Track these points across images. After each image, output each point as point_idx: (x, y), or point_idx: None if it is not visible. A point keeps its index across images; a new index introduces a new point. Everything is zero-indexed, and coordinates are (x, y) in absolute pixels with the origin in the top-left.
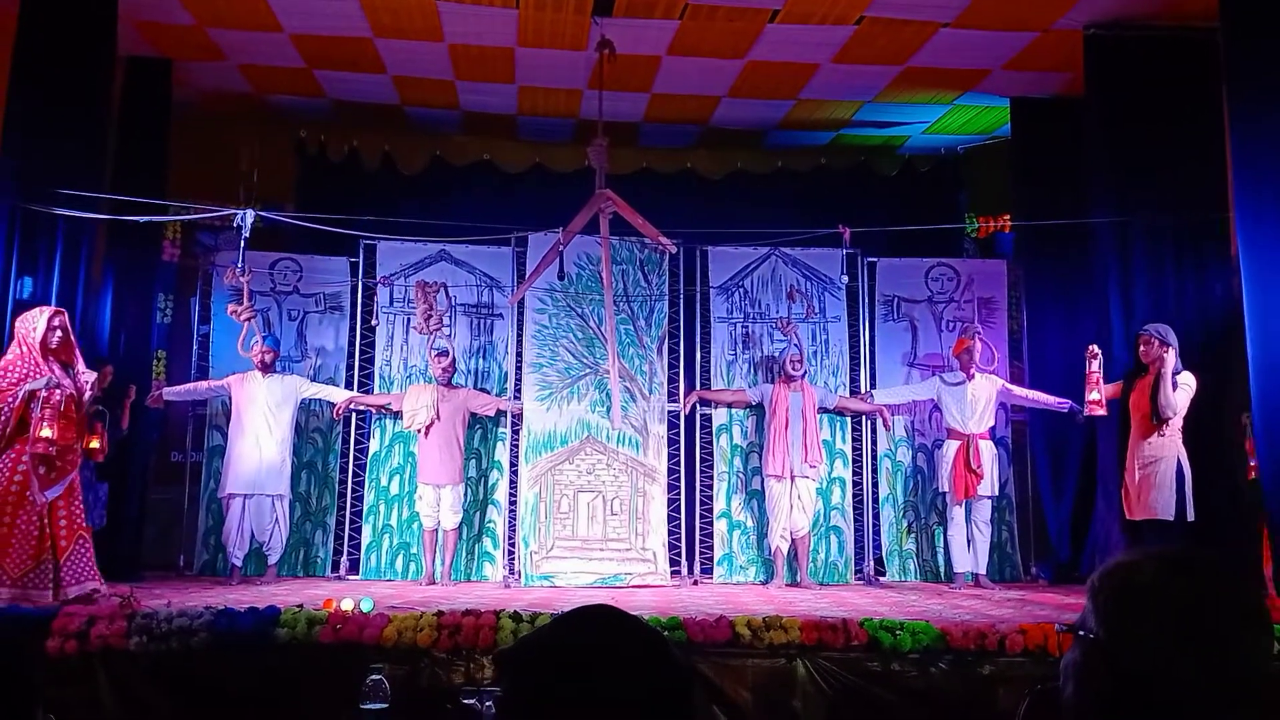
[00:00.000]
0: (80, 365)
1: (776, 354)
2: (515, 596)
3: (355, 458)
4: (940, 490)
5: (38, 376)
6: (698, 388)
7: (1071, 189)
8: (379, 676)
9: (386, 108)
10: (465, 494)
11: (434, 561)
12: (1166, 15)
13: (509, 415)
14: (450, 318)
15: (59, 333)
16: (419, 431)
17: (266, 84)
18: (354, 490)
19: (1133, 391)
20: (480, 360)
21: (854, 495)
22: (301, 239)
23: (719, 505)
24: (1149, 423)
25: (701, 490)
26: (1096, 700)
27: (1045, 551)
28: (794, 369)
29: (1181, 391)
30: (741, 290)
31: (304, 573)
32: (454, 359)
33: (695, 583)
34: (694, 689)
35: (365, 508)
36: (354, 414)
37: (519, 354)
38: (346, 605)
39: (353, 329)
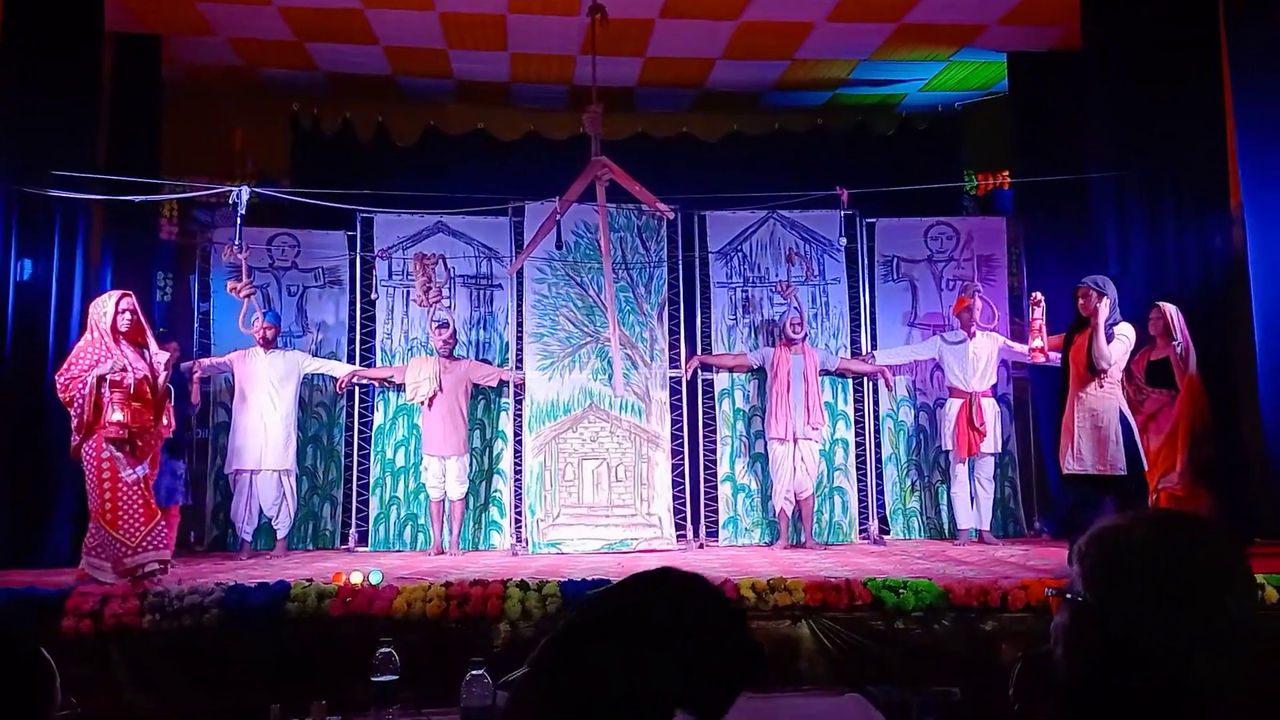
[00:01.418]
0: (153, 346)
1: (777, 317)
2: (523, 564)
3: (360, 431)
4: (943, 448)
5: (107, 361)
6: (699, 353)
7: (1070, 143)
8: (389, 649)
9: (379, 79)
10: (470, 464)
11: (442, 532)
12: None
13: (511, 385)
14: (449, 289)
15: (128, 315)
16: (422, 404)
17: (257, 58)
18: (360, 463)
19: (1073, 345)
20: (481, 331)
21: (857, 456)
22: (298, 214)
23: (723, 469)
24: (1087, 375)
25: (705, 454)
26: (1086, 662)
27: (1048, 506)
28: (794, 332)
29: (1118, 343)
30: (740, 254)
31: (313, 546)
32: (455, 331)
33: (700, 546)
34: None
35: (371, 480)
36: (357, 388)
37: (519, 324)
38: (356, 578)
39: (352, 303)
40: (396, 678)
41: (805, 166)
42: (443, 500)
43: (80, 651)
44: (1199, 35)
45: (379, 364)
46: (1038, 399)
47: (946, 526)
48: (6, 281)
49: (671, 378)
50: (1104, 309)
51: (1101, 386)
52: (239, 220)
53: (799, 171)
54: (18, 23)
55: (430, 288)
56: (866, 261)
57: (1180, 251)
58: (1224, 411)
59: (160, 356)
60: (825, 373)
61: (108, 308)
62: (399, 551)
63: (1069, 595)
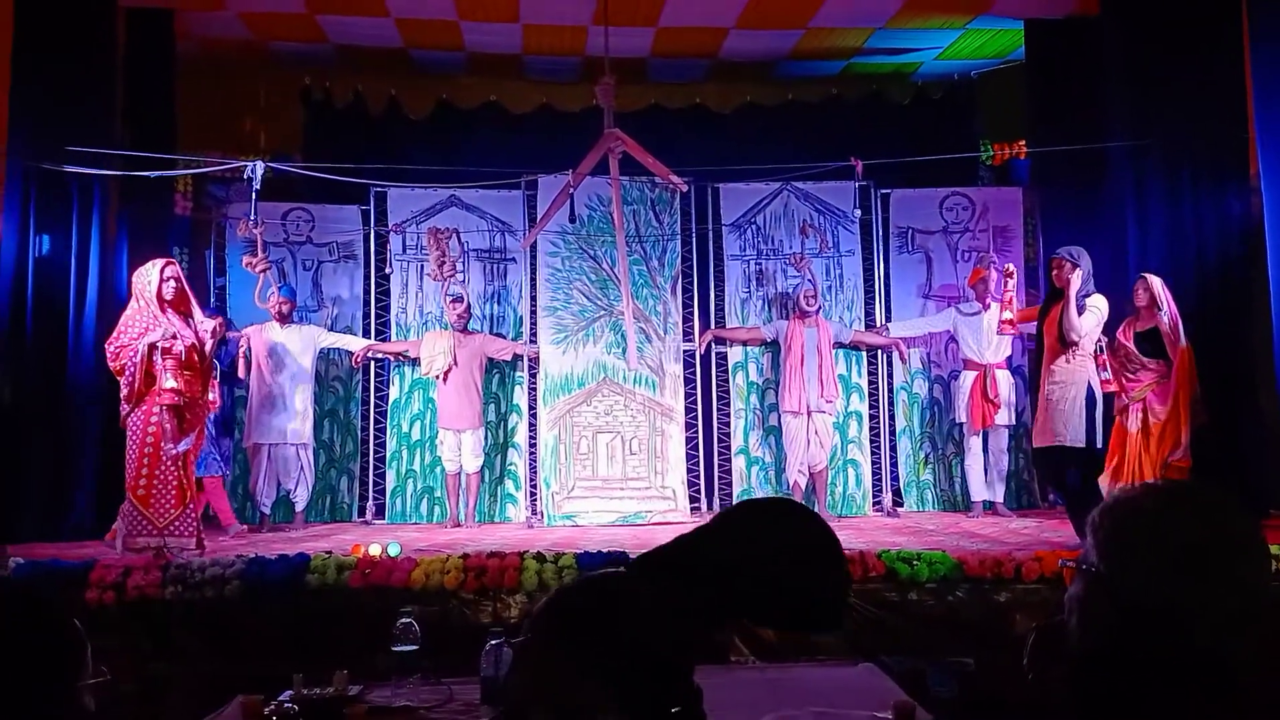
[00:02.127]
0: (198, 315)
1: (790, 290)
2: (539, 536)
3: (376, 405)
4: (957, 421)
5: (157, 329)
6: (712, 326)
7: (1088, 112)
8: (409, 619)
9: (390, 51)
10: (486, 438)
11: (458, 504)
12: None
13: (526, 359)
14: (463, 263)
15: (172, 283)
16: (437, 378)
17: (268, 31)
18: (376, 437)
19: (1047, 317)
20: (495, 305)
21: (871, 428)
22: (312, 188)
23: (736, 442)
24: (1058, 347)
25: (719, 427)
26: (1100, 633)
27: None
28: (808, 304)
29: (1089, 314)
30: (754, 227)
31: (331, 518)
32: (469, 305)
33: None
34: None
35: (388, 454)
36: (372, 362)
37: (533, 298)
38: (374, 550)
39: (367, 277)
40: (416, 647)
41: (819, 137)
42: (458, 473)
43: (103, 623)
44: (1218, 2)
45: (394, 338)
46: None
47: (960, 499)
48: (26, 257)
49: (685, 351)
50: (1075, 280)
51: (1070, 360)
52: (254, 195)
53: (813, 142)
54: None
55: (444, 262)
56: (881, 233)
57: (1198, 221)
58: (1241, 383)
59: (206, 325)
60: (839, 345)
61: (152, 276)
62: (415, 524)
63: (1083, 566)
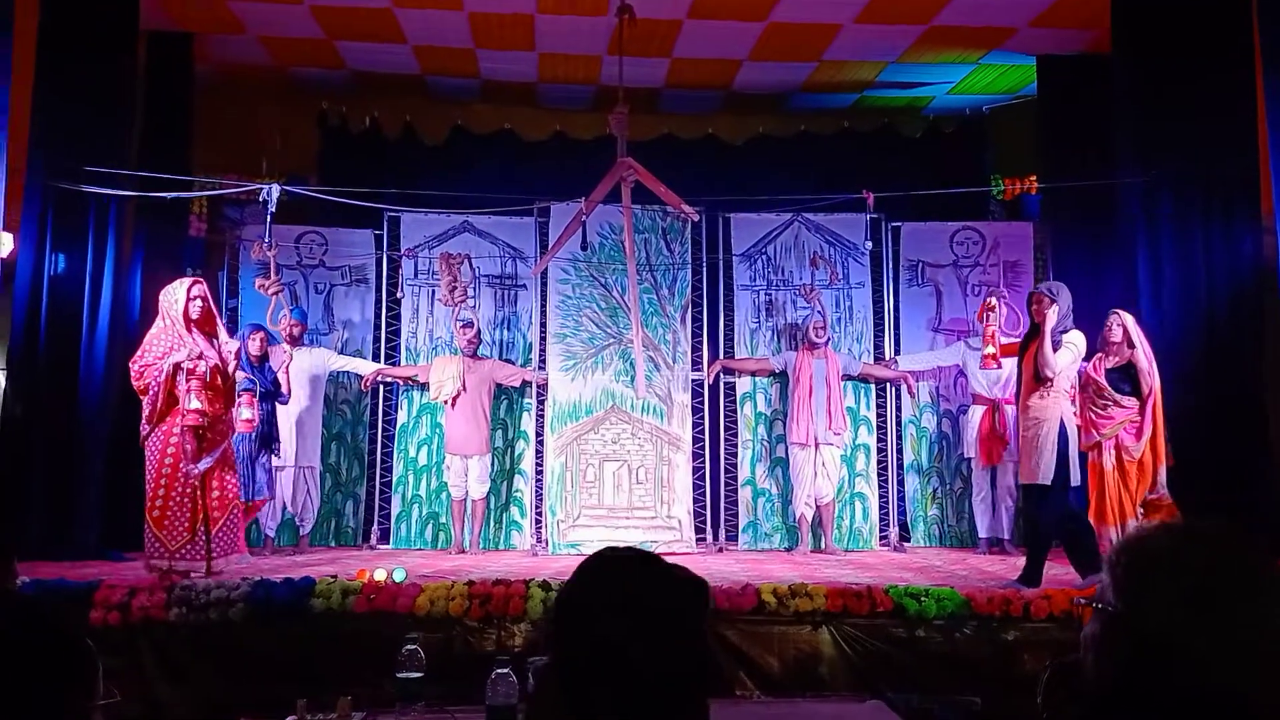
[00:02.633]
0: (223, 335)
1: (800, 321)
2: (543, 565)
3: (384, 429)
4: (965, 456)
5: (181, 349)
6: (721, 356)
7: (1099, 148)
8: (414, 646)
9: (407, 78)
10: (492, 464)
11: (463, 530)
12: None
13: (534, 385)
14: (474, 289)
15: (199, 302)
16: (445, 403)
17: (287, 56)
18: (383, 461)
19: (1026, 353)
20: (505, 331)
21: (878, 462)
22: (326, 212)
23: (743, 473)
24: (1034, 383)
25: (726, 458)
26: (1116, 672)
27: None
28: (817, 336)
29: (1064, 351)
30: (764, 257)
31: (335, 543)
32: (479, 330)
33: (720, 550)
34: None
35: (394, 478)
36: (381, 386)
37: (543, 324)
38: (380, 575)
39: (378, 301)
40: (421, 675)
41: (831, 169)
42: (464, 499)
43: (108, 643)
44: (1231, 40)
45: (403, 362)
46: None
47: (967, 534)
48: (41, 276)
49: (693, 380)
50: (1052, 316)
51: (1044, 397)
52: (268, 218)
53: (824, 174)
54: (55, 21)
55: (455, 287)
56: (891, 266)
57: (1209, 258)
58: (1252, 420)
59: (231, 346)
60: (848, 377)
61: (179, 295)
62: (420, 550)
63: (1099, 605)
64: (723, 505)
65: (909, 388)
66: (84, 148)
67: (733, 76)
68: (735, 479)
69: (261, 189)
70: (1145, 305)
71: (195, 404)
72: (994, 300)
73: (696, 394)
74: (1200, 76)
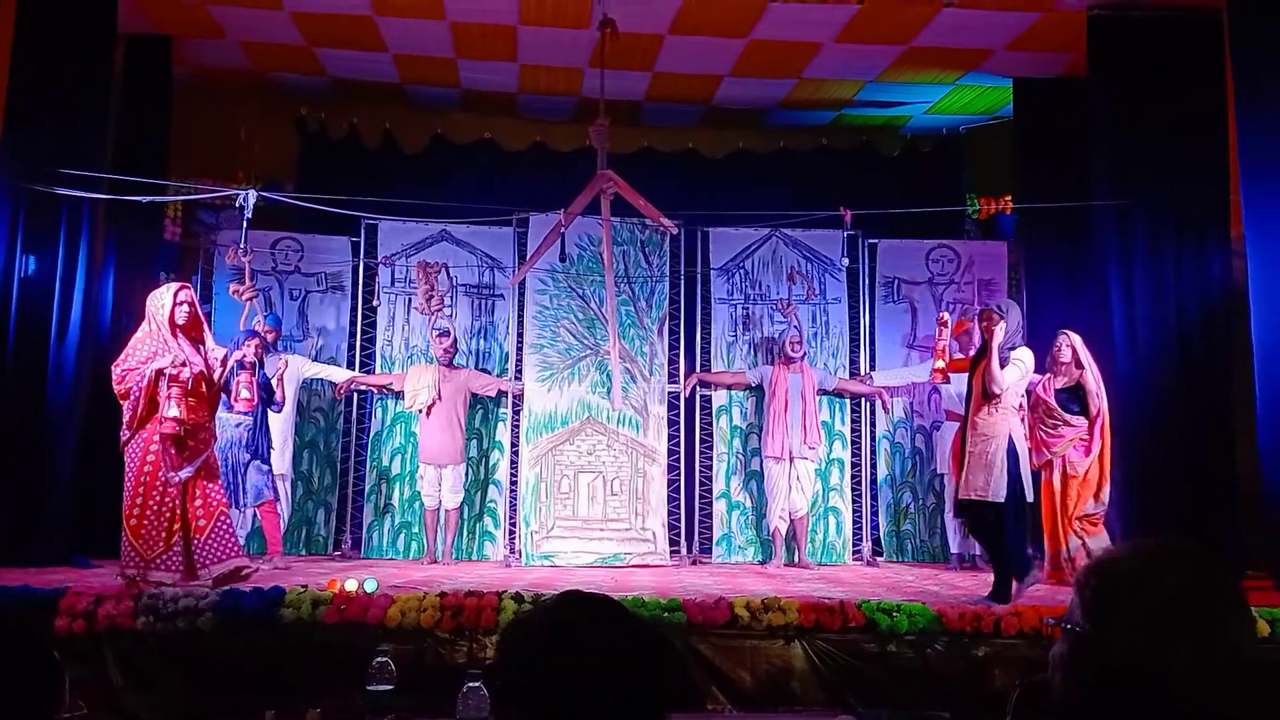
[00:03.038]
0: (210, 342)
1: (776, 335)
2: (516, 576)
3: (357, 437)
4: (939, 471)
5: (165, 354)
6: (698, 369)
7: (1074, 170)
8: (385, 658)
9: (387, 86)
10: (466, 474)
11: (436, 540)
12: None
13: (510, 396)
14: (451, 298)
15: (186, 307)
16: (420, 412)
17: (267, 61)
18: (356, 470)
19: (976, 369)
20: (481, 341)
21: (853, 476)
22: (303, 218)
23: (718, 486)
24: (981, 400)
25: (701, 471)
26: (1084, 691)
27: (1042, 534)
28: (794, 350)
29: (1012, 368)
30: (742, 271)
31: (306, 551)
32: (455, 339)
33: (694, 563)
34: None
35: (367, 487)
36: (355, 394)
37: (520, 335)
38: (350, 586)
39: (354, 309)
40: (392, 687)
41: (809, 185)
42: (438, 509)
43: (74, 652)
44: (1204, 66)
45: (379, 371)
46: None
47: (940, 550)
48: (11, 278)
49: (670, 393)
50: (999, 333)
51: (992, 414)
52: (244, 223)
53: (802, 190)
54: (33, 21)
55: (432, 296)
56: (867, 282)
57: (1180, 280)
58: (1220, 443)
59: (217, 353)
60: (823, 392)
61: (165, 299)
62: (392, 559)
63: (1068, 625)
64: (697, 518)
65: (884, 403)
66: (58, 149)
67: (713, 91)
68: (710, 492)
69: (238, 194)
70: (1117, 325)
71: (174, 411)
72: (945, 315)
73: (673, 406)
74: (1174, 101)
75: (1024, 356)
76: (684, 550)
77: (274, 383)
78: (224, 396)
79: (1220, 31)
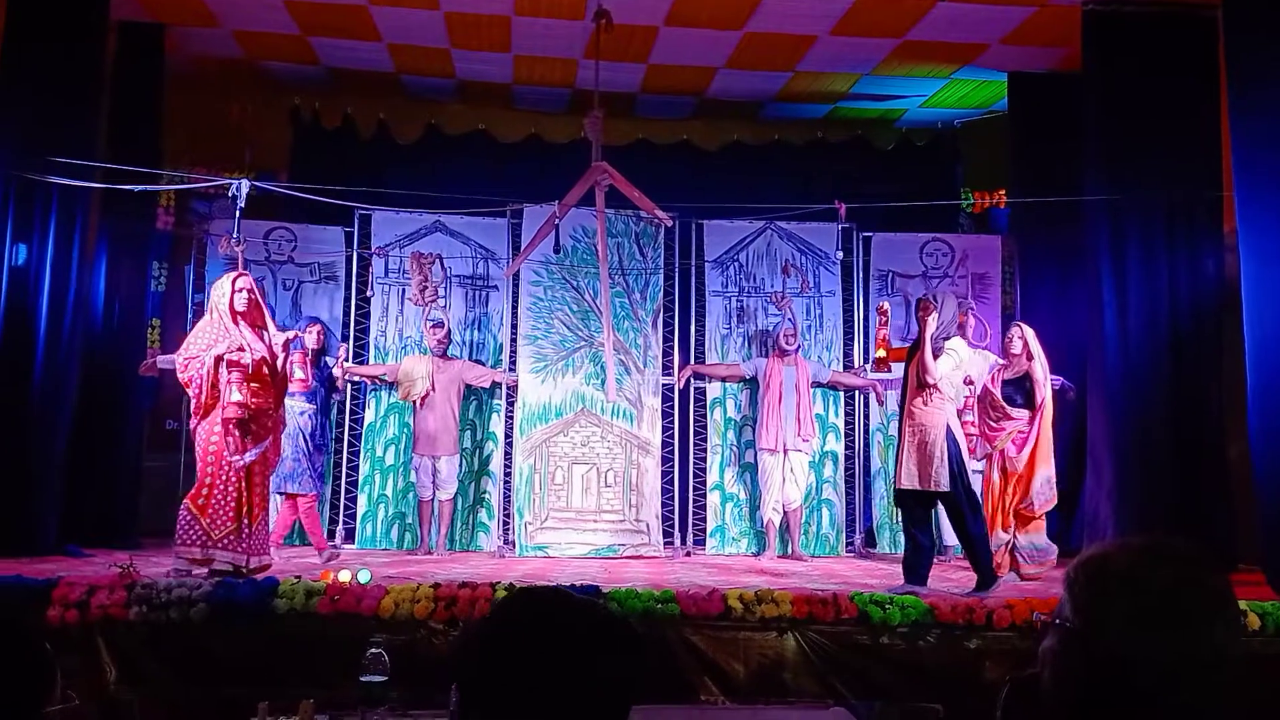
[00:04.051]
0: (272, 328)
1: (771, 328)
2: (510, 567)
3: (350, 428)
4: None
5: (224, 341)
6: (692, 361)
7: (1067, 164)
8: (378, 650)
9: (381, 75)
10: (460, 465)
11: (429, 532)
12: None
13: (504, 387)
14: (445, 289)
15: (245, 294)
16: (414, 402)
17: (260, 50)
18: (349, 460)
19: (912, 360)
20: (475, 332)
21: (846, 469)
22: (296, 208)
23: (712, 478)
24: (917, 389)
25: (695, 463)
26: (1074, 686)
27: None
28: (788, 343)
29: (945, 358)
30: (736, 264)
31: (300, 542)
32: (449, 330)
33: (688, 554)
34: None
35: (360, 478)
36: (349, 384)
37: (514, 326)
38: (344, 577)
39: (347, 299)
40: (385, 678)
41: (804, 178)
42: (431, 500)
43: (66, 642)
44: (1198, 61)
45: (372, 361)
46: None
47: (934, 543)
48: (1, 268)
49: (664, 385)
50: (932, 323)
51: (927, 403)
52: (237, 213)
53: (797, 183)
54: (23, 8)
55: (426, 287)
56: (861, 275)
57: (1173, 275)
58: (1211, 438)
59: (279, 338)
60: (817, 385)
61: (225, 288)
62: (386, 550)
63: (1057, 620)
64: (691, 509)
65: (877, 396)
66: (49, 138)
67: (708, 84)
68: (704, 483)
69: (231, 184)
70: (1109, 319)
71: (236, 396)
72: (885, 304)
73: (667, 398)
74: (1168, 96)
75: (957, 346)
76: (677, 541)
77: (335, 371)
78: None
79: (1215, 27)
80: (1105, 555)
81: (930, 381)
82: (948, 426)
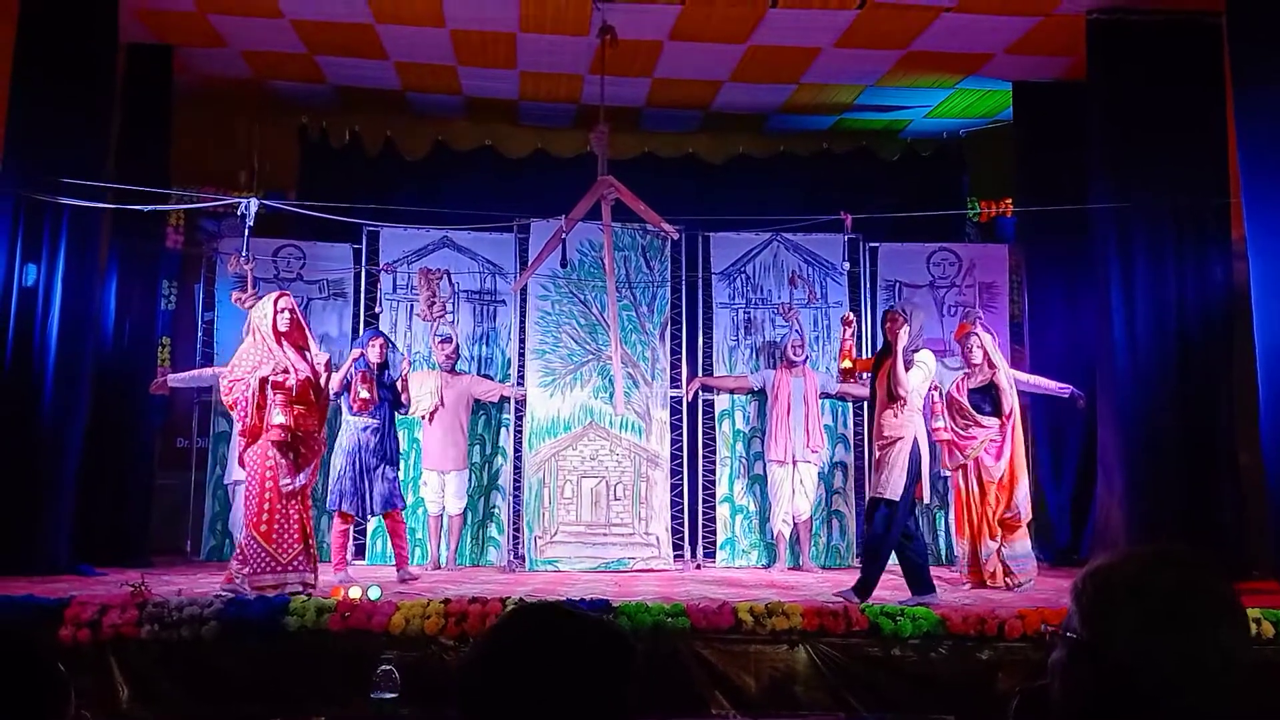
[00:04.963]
0: (314, 348)
1: (778, 339)
2: (520, 581)
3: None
4: (942, 474)
5: (269, 362)
6: (700, 373)
7: (1074, 173)
8: (389, 666)
9: (388, 93)
10: (470, 480)
11: (439, 547)
12: None
13: (512, 401)
14: (453, 304)
15: (287, 314)
16: (423, 418)
17: (268, 70)
18: None
19: (880, 370)
20: (483, 347)
21: (856, 479)
22: (305, 226)
23: (721, 490)
24: (887, 401)
25: (704, 475)
26: (1083, 697)
27: (1045, 535)
28: (796, 354)
29: (916, 370)
30: (743, 276)
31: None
32: (457, 345)
33: (698, 567)
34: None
35: None
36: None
37: (522, 340)
38: (354, 593)
39: (356, 316)
40: (396, 695)
41: (810, 190)
42: (441, 515)
43: (79, 661)
44: (1204, 69)
45: None
46: (1036, 427)
47: (944, 552)
48: (12, 287)
49: (672, 397)
50: (904, 335)
51: (897, 415)
52: (246, 231)
53: (803, 194)
54: (34, 31)
55: (434, 302)
56: (869, 286)
57: (1182, 283)
58: (1222, 445)
59: (321, 358)
60: (826, 396)
61: (267, 309)
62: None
63: (1066, 631)
64: (700, 522)
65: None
66: (60, 159)
67: (713, 97)
68: (713, 496)
69: (240, 202)
70: (1118, 327)
71: (280, 418)
72: (850, 315)
73: (675, 411)
74: (1174, 104)
75: (927, 359)
76: (688, 554)
77: (399, 383)
78: (345, 395)
79: (1219, 34)
80: (1112, 566)
81: (901, 394)
82: (914, 439)
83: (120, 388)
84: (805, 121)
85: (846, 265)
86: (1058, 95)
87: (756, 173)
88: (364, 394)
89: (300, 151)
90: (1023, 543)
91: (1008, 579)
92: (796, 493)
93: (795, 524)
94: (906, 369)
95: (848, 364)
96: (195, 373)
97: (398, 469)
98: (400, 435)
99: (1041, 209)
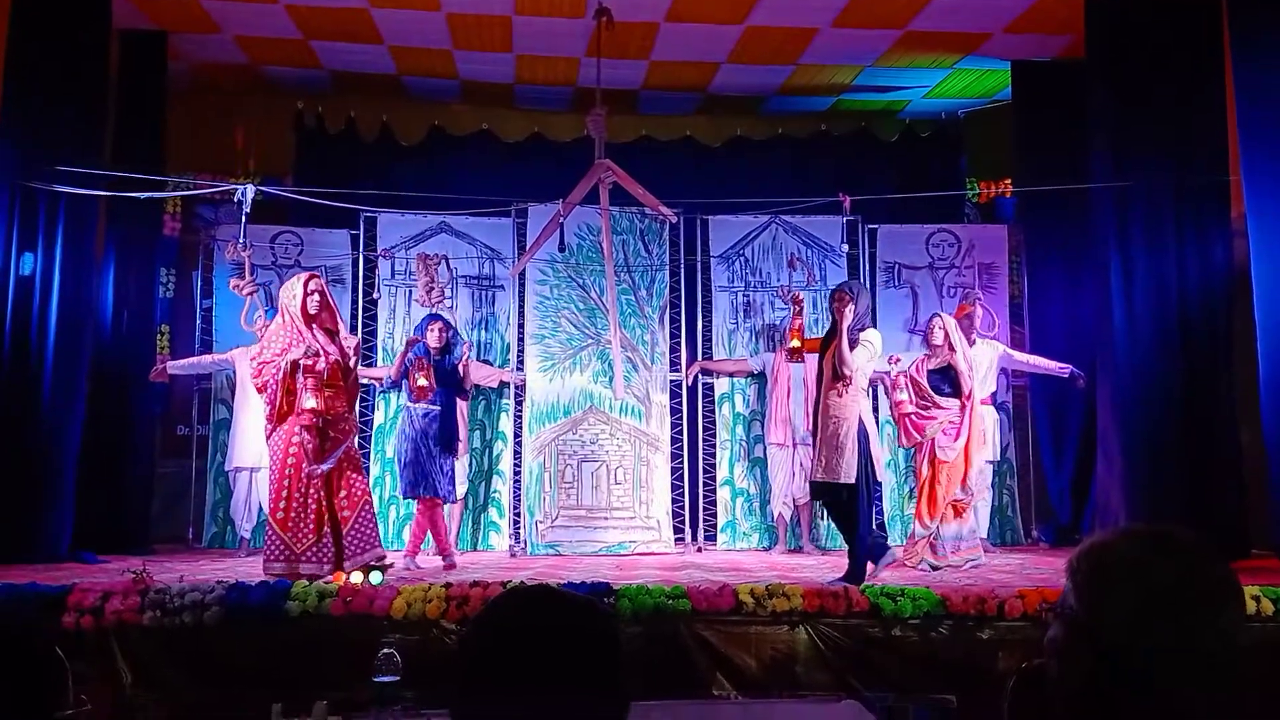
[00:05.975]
0: (344, 331)
1: (778, 322)
2: (521, 565)
3: (360, 429)
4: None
5: (299, 345)
6: (699, 357)
7: (1073, 153)
8: (390, 650)
9: (384, 78)
10: (470, 465)
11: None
12: None
13: (512, 386)
14: (452, 290)
15: (317, 296)
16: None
17: (263, 55)
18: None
19: (827, 350)
20: (482, 332)
21: None
22: (302, 212)
23: (722, 473)
24: (833, 380)
25: (704, 458)
26: (1080, 676)
27: (1046, 515)
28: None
29: (861, 349)
30: (742, 259)
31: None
32: (451, 327)
33: (699, 549)
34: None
35: (371, 479)
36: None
37: (521, 325)
38: (356, 578)
39: (355, 302)
40: (398, 678)
41: (808, 172)
42: None
43: (81, 648)
44: (1203, 47)
45: (380, 363)
46: (1036, 407)
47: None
48: (8, 275)
49: (672, 381)
50: (848, 314)
51: (842, 395)
52: (243, 218)
53: (801, 176)
54: (26, 18)
55: (433, 288)
56: (868, 267)
57: (1181, 261)
58: (1222, 424)
59: (350, 342)
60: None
61: (296, 290)
62: (396, 551)
63: (1062, 609)
64: (701, 505)
65: (886, 389)
66: (55, 146)
67: (710, 79)
68: (714, 479)
69: (236, 189)
70: (1117, 306)
71: (311, 402)
72: (800, 294)
73: (675, 395)
74: (1173, 82)
75: (873, 338)
76: (688, 537)
77: (461, 368)
78: (404, 383)
79: (1219, 10)
80: (1106, 543)
81: (847, 374)
82: (860, 419)
83: (120, 376)
84: (803, 103)
85: (845, 247)
86: (1057, 74)
87: (755, 155)
88: (421, 381)
89: (296, 137)
90: (960, 525)
91: (930, 558)
92: (797, 475)
93: (796, 506)
94: (851, 348)
95: (796, 343)
96: (194, 360)
97: (455, 457)
98: (462, 421)
99: (1041, 189)
